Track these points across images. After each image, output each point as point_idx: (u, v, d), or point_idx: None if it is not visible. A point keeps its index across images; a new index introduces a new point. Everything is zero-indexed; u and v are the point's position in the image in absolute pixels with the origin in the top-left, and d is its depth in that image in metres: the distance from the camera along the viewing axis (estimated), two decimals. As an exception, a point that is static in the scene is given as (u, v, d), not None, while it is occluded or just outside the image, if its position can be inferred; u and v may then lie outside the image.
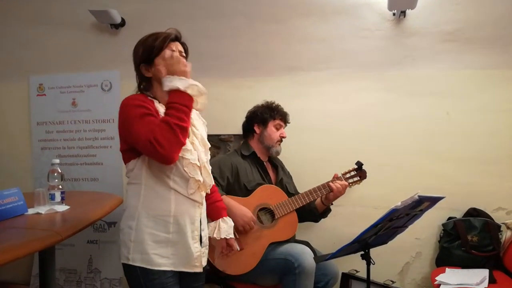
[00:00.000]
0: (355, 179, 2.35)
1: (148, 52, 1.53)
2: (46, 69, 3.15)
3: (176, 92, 1.39)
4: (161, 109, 1.49)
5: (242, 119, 2.51)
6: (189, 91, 1.40)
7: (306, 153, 2.79)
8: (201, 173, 1.52)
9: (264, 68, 2.88)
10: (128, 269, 1.47)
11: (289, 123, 2.51)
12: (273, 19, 2.78)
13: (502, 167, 2.61)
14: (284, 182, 2.44)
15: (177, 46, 1.56)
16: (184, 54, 1.58)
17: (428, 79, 2.70)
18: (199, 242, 1.55)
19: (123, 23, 2.93)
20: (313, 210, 2.39)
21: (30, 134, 3.20)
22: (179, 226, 1.48)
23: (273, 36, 2.81)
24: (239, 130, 2.57)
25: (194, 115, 1.62)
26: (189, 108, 1.41)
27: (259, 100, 2.50)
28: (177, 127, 1.36)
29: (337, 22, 2.73)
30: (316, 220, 2.47)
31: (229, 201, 2.13)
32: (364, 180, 2.36)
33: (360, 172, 2.35)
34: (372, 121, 2.76)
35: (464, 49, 2.62)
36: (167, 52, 1.49)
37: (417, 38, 2.66)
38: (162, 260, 1.45)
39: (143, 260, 1.44)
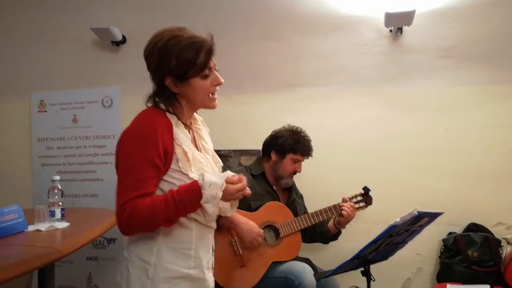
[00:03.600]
0: (361, 204, 2.35)
1: (186, 68, 1.26)
2: (47, 86, 3.17)
3: (196, 193, 1.18)
4: (179, 133, 1.30)
5: (241, 135, 2.50)
6: (206, 206, 1.20)
7: (304, 168, 2.79)
8: None
9: (263, 84, 2.90)
10: None
11: (311, 156, 2.39)
12: (271, 35, 2.82)
13: (501, 182, 2.61)
14: (296, 204, 2.40)
15: (213, 60, 1.31)
16: (217, 68, 1.36)
17: (425, 95, 2.72)
18: (211, 269, 1.46)
19: (124, 40, 2.98)
20: (326, 233, 2.36)
21: (31, 150, 3.21)
22: (199, 260, 1.36)
23: (272, 52, 2.85)
24: (238, 146, 2.58)
25: (199, 122, 1.50)
26: (189, 212, 1.25)
27: (258, 116, 2.48)
28: (157, 224, 1.22)
29: (335, 38, 2.76)
30: (326, 242, 2.46)
31: (236, 215, 2.08)
32: (370, 206, 2.36)
33: (366, 197, 2.35)
34: (370, 137, 2.77)
35: (460, 65, 2.65)
36: (233, 187, 1.24)
37: (414, 54, 2.70)
38: None
39: None
